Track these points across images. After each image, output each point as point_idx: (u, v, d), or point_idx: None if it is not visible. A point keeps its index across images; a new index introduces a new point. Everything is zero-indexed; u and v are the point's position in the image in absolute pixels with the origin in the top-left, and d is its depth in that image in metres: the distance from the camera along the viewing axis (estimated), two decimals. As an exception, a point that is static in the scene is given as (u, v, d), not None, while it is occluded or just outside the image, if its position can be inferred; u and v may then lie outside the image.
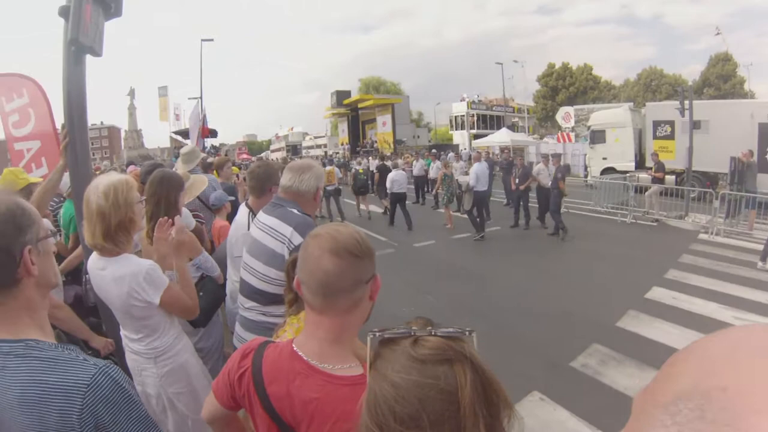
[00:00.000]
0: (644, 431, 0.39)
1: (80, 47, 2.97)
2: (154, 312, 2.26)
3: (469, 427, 0.87)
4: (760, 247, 9.83)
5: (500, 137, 33.62)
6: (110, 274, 2.18)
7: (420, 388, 0.88)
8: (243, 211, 3.29)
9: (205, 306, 2.66)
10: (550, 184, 11.89)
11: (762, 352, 0.38)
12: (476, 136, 42.55)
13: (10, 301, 1.16)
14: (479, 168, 11.58)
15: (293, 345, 1.33)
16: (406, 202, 13.51)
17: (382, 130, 36.54)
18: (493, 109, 53.03)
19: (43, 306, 1.25)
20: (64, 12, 2.90)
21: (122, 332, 2.42)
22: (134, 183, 2.36)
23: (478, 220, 11.58)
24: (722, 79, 46.37)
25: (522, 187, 12.50)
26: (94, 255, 2.27)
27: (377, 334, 0.96)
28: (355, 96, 43.50)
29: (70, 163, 3.18)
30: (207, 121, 21.31)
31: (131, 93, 36.29)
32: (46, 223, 1.27)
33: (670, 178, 15.66)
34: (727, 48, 48.28)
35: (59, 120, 4.39)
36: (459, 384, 0.88)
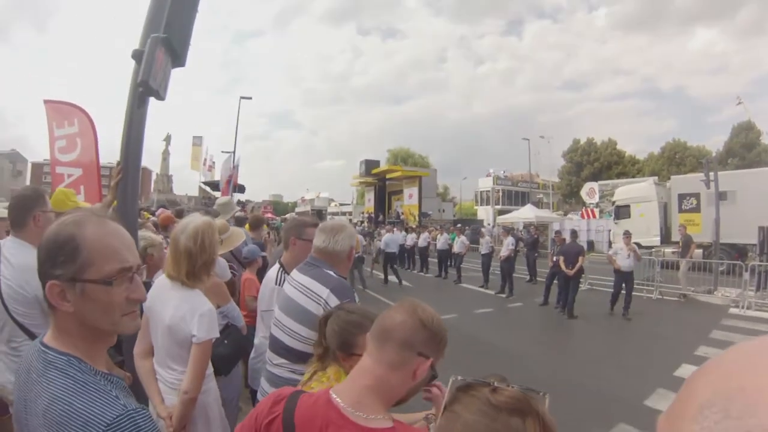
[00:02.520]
0: None
1: (148, 90, 3.14)
2: (189, 347, 2.36)
3: None
4: None
5: (525, 213, 33.71)
6: (177, 296, 2.39)
7: (491, 431, 0.93)
8: (275, 267, 3.28)
9: (228, 353, 2.70)
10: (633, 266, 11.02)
11: (766, 358, 0.41)
12: (501, 212, 42.72)
13: (59, 319, 1.17)
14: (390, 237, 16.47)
15: (331, 392, 1.34)
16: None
17: (408, 202, 36.89)
18: (519, 185, 53.46)
19: (94, 338, 1.22)
20: (137, 55, 3.13)
21: (155, 360, 2.51)
22: (216, 226, 2.61)
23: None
24: (746, 149, 46.08)
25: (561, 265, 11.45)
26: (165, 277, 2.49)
27: (459, 378, 1.05)
28: (384, 166, 44.16)
29: (119, 199, 3.31)
30: (238, 173, 22.01)
31: (167, 139, 37.41)
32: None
33: (698, 252, 15.42)
34: (750, 116, 48.16)
35: (104, 154, 4.55)
36: None
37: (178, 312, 2.36)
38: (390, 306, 1.42)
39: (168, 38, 3.23)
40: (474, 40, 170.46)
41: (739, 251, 16.61)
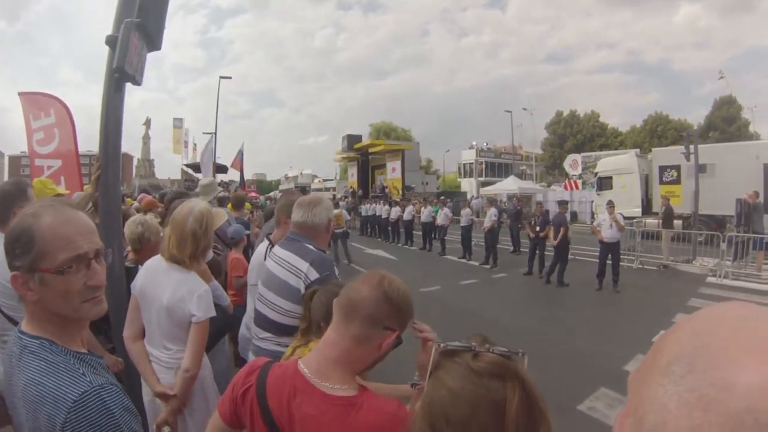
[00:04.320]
0: (645, 399, 0.45)
1: (123, 75, 3.12)
2: (187, 327, 2.44)
3: None
4: None
5: (508, 185, 33.82)
6: (175, 277, 2.46)
7: (474, 396, 0.99)
8: (264, 243, 3.35)
9: (211, 332, 2.72)
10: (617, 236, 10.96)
11: (735, 317, 0.45)
12: (484, 184, 42.79)
13: (30, 305, 1.22)
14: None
15: (299, 362, 1.40)
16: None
17: (391, 176, 36.65)
18: (502, 156, 53.45)
19: (66, 321, 1.25)
20: (111, 41, 3.09)
21: (148, 341, 2.56)
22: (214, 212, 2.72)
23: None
24: (727, 122, 46.59)
25: (542, 235, 12.09)
26: (160, 257, 2.56)
27: (441, 344, 1.09)
28: (366, 141, 43.66)
29: (102, 188, 3.30)
30: (243, 156, 22.05)
31: (147, 123, 36.33)
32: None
33: (677, 223, 15.72)
34: (731, 91, 48.68)
35: (83, 142, 4.50)
36: (507, 398, 0.98)
37: (177, 293, 2.42)
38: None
39: (142, 22, 3.20)
40: (457, 13, 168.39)
41: (717, 222, 16.84)
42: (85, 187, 4.04)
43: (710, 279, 11.71)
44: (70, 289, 1.20)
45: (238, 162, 22.21)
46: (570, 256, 11.38)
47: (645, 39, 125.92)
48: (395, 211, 21.08)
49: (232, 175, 26.23)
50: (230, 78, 31.80)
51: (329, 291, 1.93)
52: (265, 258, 3.06)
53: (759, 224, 12.85)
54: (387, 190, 33.99)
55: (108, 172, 3.27)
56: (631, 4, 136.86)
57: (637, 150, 26.82)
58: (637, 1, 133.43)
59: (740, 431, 0.37)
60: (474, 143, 52.75)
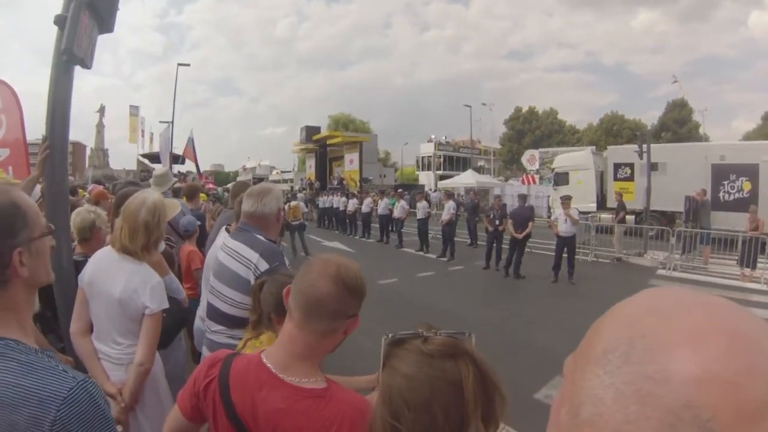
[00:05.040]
0: (580, 388, 0.44)
1: (72, 58, 2.97)
2: (140, 320, 2.38)
3: (471, 413, 1.00)
4: (715, 281, 10.54)
5: (466, 179, 34.16)
6: (127, 269, 2.41)
7: (430, 378, 1.01)
8: (222, 234, 3.25)
9: (167, 326, 2.66)
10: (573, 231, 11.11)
11: (670, 305, 0.43)
12: (442, 177, 43.16)
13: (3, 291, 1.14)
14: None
15: (262, 356, 1.37)
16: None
17: (349, 168, 36.64)
18: (460, 150, 53.95)
19: (29, 306, 1.22)
20: (60, 21, 2.91)
21: (96, 337, 2.46)
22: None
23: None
24: (679, 124, 48.44)
25: (501, 228, 12.10)
26: (110, 249, 2.52)
27: (390, 335, 1.11)
28: (324, 132, 43.53)
29: (48, 177, 3.13)
30: (194, 144, 21.45)
31: (101, 110, 34.59)
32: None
33: (630, 218, 16.21)
34: (684, 95, 50.66)
35: (31, 130, 4.26)
36: (463, 375, 1.01)
37: (130, 285, 2.37)
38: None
39: (92, 2, 3.04)
40: (420, 6, 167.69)
41: (667, 218, 17.47)
42: None
43: (660, 271, 12.14)
44: (47, 251, 1.25)
45: (190, 151, 21.65)
46: (526, 249, 11.55)
47: (604, 41, 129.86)
48: (353, 203, 20.94)
49: (190, 165, 25.67)
50: (188, 65, 31.41)
51: (277, 281, 1.94)
52: None
53: (706, 220, 13.68)
54: (345, 182, 33.88)
55: (55, 161, 3.11)
56: (592, 6, 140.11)
57: (594, 147, 27.46)
58: (598, 4, 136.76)
59: (678, 427, 0.36)
60: (433, 137, 52.99)
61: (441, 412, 0.99)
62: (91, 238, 3.21)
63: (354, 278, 1.34)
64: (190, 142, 21.55)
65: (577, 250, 11.73)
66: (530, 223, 11.41)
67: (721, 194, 16.85)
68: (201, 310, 3.18)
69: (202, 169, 24.82)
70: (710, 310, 0.42)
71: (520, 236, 11.27)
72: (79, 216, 3.23)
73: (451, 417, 1.00)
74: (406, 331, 1.11)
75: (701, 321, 0.40)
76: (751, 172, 16.39)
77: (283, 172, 63.81)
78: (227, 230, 3.23)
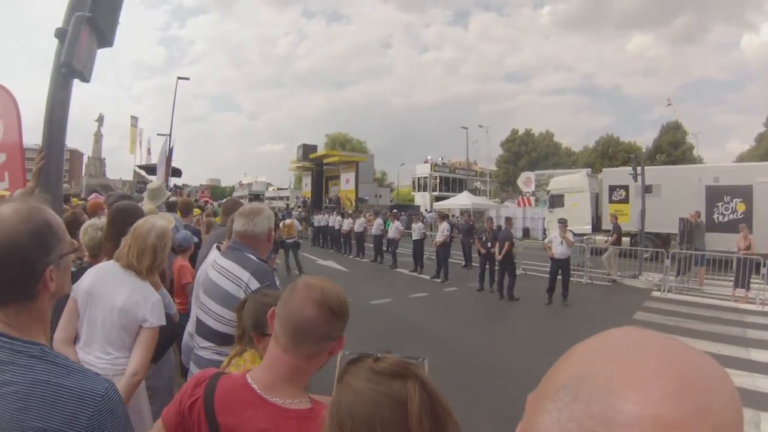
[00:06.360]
0: (533, 422, 0.45)
1: (71, 71, 3.01)
2: (135, 333, 2.44)
3: None
4: (710, 302, 10.57)
5: (461, 200, 34.21)
6: (132, 282, 2.49)
7: (376, 394, 1.02)
8: (213, 252, 3.26)
9: (158, 342, 2.65)
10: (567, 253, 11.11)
11: (623, 346, 0.44)
12: (438, 198, 43.18)
13: (25, 312, 1.19)
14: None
15: (247, 376, 1.38)
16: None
17: (345, 188, 36.58)
18: (456, 172, 54.17)
19: (49, 315, 1.29)
20: (60, 34, 2.97)
21: (83, 346, 2.47)
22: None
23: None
24: (673, 146, 48.68)
25: (493, 251, 11.80)
26: (114, 263, 2.58)
27: (347, 353, 1.13)
28: (321, 151, 43.50)
29: (42, 186, 3.15)
30: (172, 156, 21.07)
31: (100, 119, 33.95)
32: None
33: (625, 240, 16.19)
34: (678, 117, 51.15)
35: (29, 136, 4.28)
36: (409, 396, 1.01)
37: (133, 297, 2.44)
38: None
39: (93, 17, 3.09)
40: (420, 28, 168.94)
41: (662, 240, 17.51)
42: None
43: (655, 293, 12.10)
44: (70, 266, 1.32)
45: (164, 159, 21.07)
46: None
47: (599, 64, 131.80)
48: (347, 223, 20.88)
49: (186, 179, 25.49)
50: (188, 79, 31.32)
51: (257, 301, 1.97)
52: None
53: (700, 242, 13.70)
54: (341, 202, 33.91)
55: (50, 171, 3.16)
56: (588, 31, 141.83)
57: (589, 170, 27.71)
58: (594, 29, 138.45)
59: None
60: (429, 157, 53.40)
61: (381, 427, 1.00)
62: (98, 255, 3.26)
63: (338, 302, 1.36)
64: (169, 151, 21.25)
65: (572, 272, 11.72)
66: (506, 243, 11.39)
67: (715, 216, 16.99)
68: (190, 326, 3.20)
69: (198, 183, 24.56)
70: (663, 352, 0.42)
71: (499, 257, 11.32)
72: (86, 235, 3.29)
73: None
74: (362, 352, 1.14)
75: (652, 363, 0.41)
76: (744, 193, 16.56)
77: (279, 189, 64.05)
78: (218, 248, 3.24)
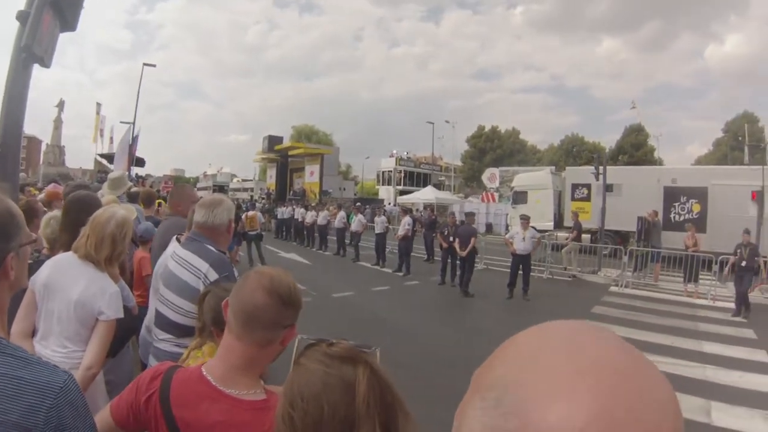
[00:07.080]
0: (462, 418, 0.45)
1: (31, 56, 2.92)
2: (92, 326, 2.39)
3: (362, 417, 1.04)
4: (665, 297, 11.06)
5: (425, 195, 34.38)
6: (88, 274, 2.43)
7: (325, 375, 1.08)
8: (173, 243, 3.20)
9: (116, 335, 2.60)
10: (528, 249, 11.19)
11: (553, 350, 0.42)
12: (402, 192, 43.30)
13: None
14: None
15: (202, 369, 1.41)
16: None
17: (309, 180, 36.46)
18: (421, 166, 54.47)
19: (6, 307, 1.30)
20: (22, 17, 2.86)
21: (40, 339, 2.43)
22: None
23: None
24: (635, 148, 49.83)
25: (455, 245, 11.73)
26: (71, 254, 2.51)
27: (305, 338, 1.20)
28: (286, 143, 43.37)
29: None
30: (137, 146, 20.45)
31: (60, 105, 32.81)
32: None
33: (586, 237, 16.51)
34: (640, 120, 52.41)
35: None
36: (357, 379, 1.07)
37: (89, 289, 2.40)
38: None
39: (57, 0, 2.98)
40: (392, 22, 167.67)
41: (621, 237, 17.94)
42: None
43: (613, 288, 12.47)
44: (27, 258, 1.33)
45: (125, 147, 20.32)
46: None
47: (569, 65, 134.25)
48: (311, 215, 20.68)
49: (149, 168, 24.85)
50: (155, 66, 30.68)
51: (216, 296, 1.97)
52: None
53: (657, 240, 14.23)
54: (306, 194, 33.68)
55: (7, 159, 3.03)
56: (559, 32, 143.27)
57: (553, 167, 28.01)
58: (565, 31, 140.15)
59: None
60: (394, 152, 53.61)
61: (329, 406, 1.04)
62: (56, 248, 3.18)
63: (287, 289, 1.39)
64: (135, 141, 20.62)
65: (532, 267, 11.85)
66: (472, 239, 11.45)
67: (672, 215, 17.55)
68: (147, 320, 3.16)
69: (162, 173, 23.98)
70: (593, 363, 0.40)
71: (463, 253, 11.31)
72: (48, 227, 3.27)
73: (338, 414, 1.05)
74: (320, 337, 1.18)
75: (580, 377, 0.38)
76: (700, 194, 17.13)
77: (244, 180, 63.29)
78: (178, 240, 3.19)
